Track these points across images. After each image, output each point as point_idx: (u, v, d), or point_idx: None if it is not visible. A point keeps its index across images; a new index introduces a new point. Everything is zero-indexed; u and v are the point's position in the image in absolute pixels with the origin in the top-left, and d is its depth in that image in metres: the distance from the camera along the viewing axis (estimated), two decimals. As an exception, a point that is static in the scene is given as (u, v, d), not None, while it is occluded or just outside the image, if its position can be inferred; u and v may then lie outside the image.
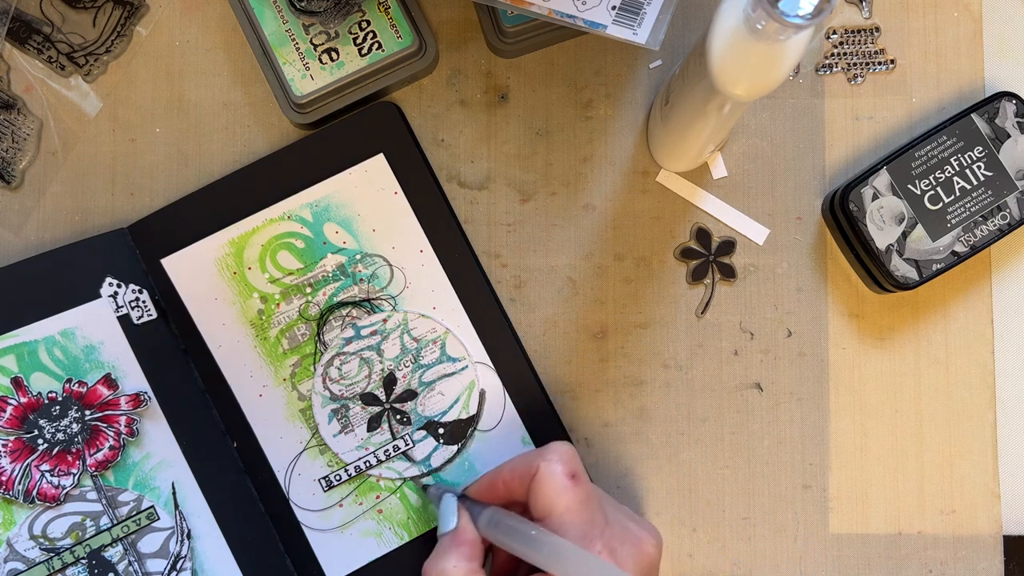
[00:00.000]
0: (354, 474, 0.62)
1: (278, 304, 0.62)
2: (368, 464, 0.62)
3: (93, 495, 0.60)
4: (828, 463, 0.63)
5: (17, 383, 0.60)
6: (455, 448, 0.62)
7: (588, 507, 0.53)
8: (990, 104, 0.61)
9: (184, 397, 0.61)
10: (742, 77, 0.48)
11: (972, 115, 0.61)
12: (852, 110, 0.65)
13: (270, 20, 0.62)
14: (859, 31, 0.65)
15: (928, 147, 0.61)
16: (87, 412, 0.60)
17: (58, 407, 0.60)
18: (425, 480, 0.62)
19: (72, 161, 0.64)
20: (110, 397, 0.60)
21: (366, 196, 0.63)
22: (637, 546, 0.53)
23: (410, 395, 0.62)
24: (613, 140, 0.64)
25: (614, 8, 0.55)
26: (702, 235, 0.64)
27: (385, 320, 0.62)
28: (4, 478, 0.59)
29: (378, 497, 0.62)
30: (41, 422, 0.60)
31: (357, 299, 0.62)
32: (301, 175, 0.62)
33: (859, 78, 0.65)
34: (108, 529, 0.60)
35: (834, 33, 0.65)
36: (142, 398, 0.60)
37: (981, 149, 0.61)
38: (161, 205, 0.63)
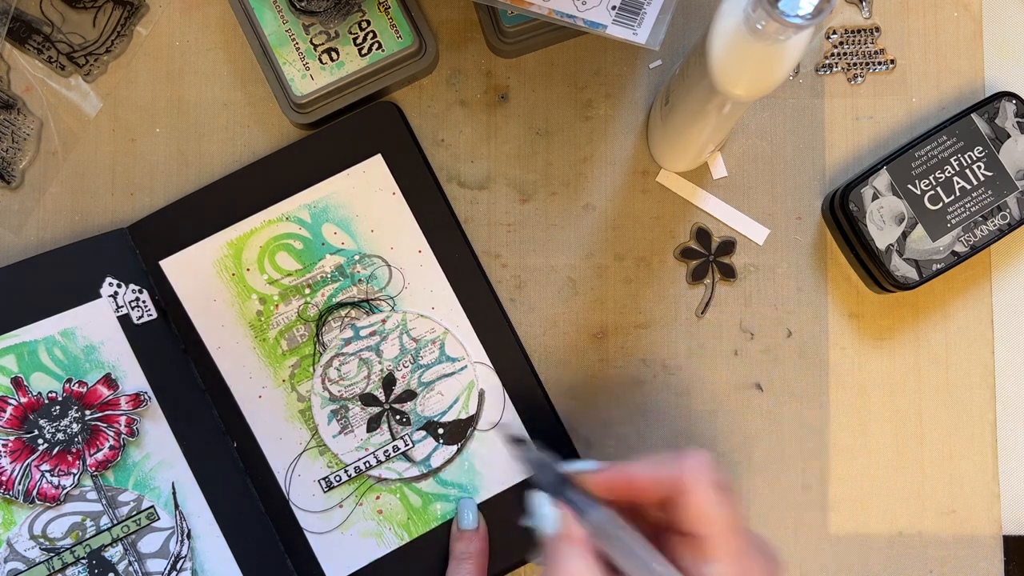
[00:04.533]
0: (354, 475, 0.62)
1: (277, 305, 0.62)
2: (368, 465, 0.62)
3: (93, 495, 0.60)
4: (828, 463, 0.63)
5: (17, 383, 0.60)
6: (455, 448, 0.62)
7: (742, 533, 0.48)
8: (990, 104, 0.61)
9: (184, 397, 0.61)
10: (742, 77, 0.48)
11: (972, 115, 0.61)
12: (852, 110, 0.65)
13: (270, 20, 0.62)
14: (859, 31, 0.65)
15: (928, 147, 0.61)
16: (87, 412, 0.60)
17: (58, 407, 0.60)
18: (517, 435, 0.58)
19: (72, 161, 0.64)
20: (110, 397, 0.60)
21: (364, 197, 0.63)
22: (776, 561, 0.49)
23: (409, 395, 0.62)
24: (613, 140, 0.64)
25: (614, 8, 0.55)
26: (702, 235, 0.64)
27: (384, 321, 0.62)
28: (4, 478, 0.59)
29: (378, 498, 0.62)
30: (41, 422, 0.60)
31: (356, 300, 0.62)
32: (300, 176, 0.62)
33: (859, 78, 0.65)
34: (108, 529, 0.60)
35: (834, 33, 0.65)
36: (142, 398, 0.61)
37: (981, 149, 0.61)
38: (161, 205, 0.63)
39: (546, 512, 0.50)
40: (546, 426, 0.62)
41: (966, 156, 0.61)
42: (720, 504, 0.47)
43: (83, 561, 0.59)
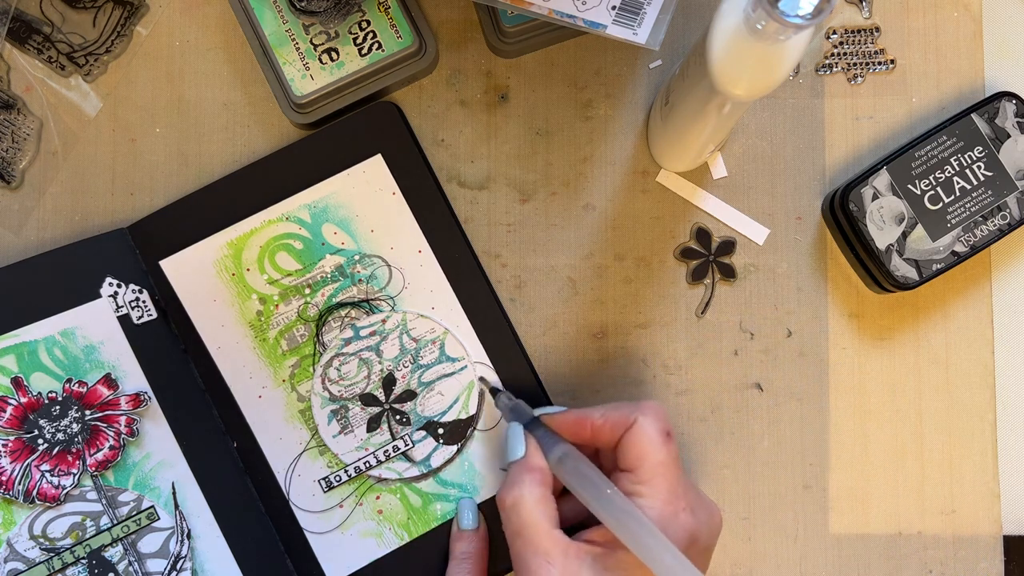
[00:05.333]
0: (354, 475, 0.62)
1: (277, 305, 0.62)
2: (368, 465, 0.62)
3: (93, 495, 0.60)
4: (828, 463, 0.63)
5: (17, 383, 0.60)
6: (455, 448, 0.62)
7: (676, 467, 0.53)
8: (990, 104, 0.61)
9: (184, 397, 0.61)
10: (742, 77, 0.48)
11: (972, 115, 0.61)
12: (852, 110, 0.65)
13: (270, 20, 0.62)
14: (859, 31, 0.65)
15: (928, 147, 0.61)
16: (87, 412, 0.60)
17: (58, 407, 0.60)
18: (495, 387, 0.62)
19: (72, 161, 0.64)
20: (110, 397, 0.60)
21: (364, 197, 0.63)
22: (710, 512, 0.54)
23: (409, 395, 0.62)
24: (613, 140, 0.64)
25: (614, 8, 0.55)
26: (702, 235, 0.64)
27: (384, 321, 0.62)
28: (4, 478, 0.59)
29: (378, 498, 0.62)
30: (41, 422, 0.60)
31: (356, 300, 0.62)
32: (300, 176, 0.62)
33: (859, 78, 0.65)
34: (108, 529, 0.60)
35: (834, 33, 0.65)
36: (142, 398, 0.61)
37: (981, 149, 0.61)
38: (161, 205, 0.63)
39: (517, 441, 0.56)
40: (546, 426, 0.63)
41: (966, 156, 0.61)
42: (659, 443, 0.53)
43: (83, 561, 0.59)
